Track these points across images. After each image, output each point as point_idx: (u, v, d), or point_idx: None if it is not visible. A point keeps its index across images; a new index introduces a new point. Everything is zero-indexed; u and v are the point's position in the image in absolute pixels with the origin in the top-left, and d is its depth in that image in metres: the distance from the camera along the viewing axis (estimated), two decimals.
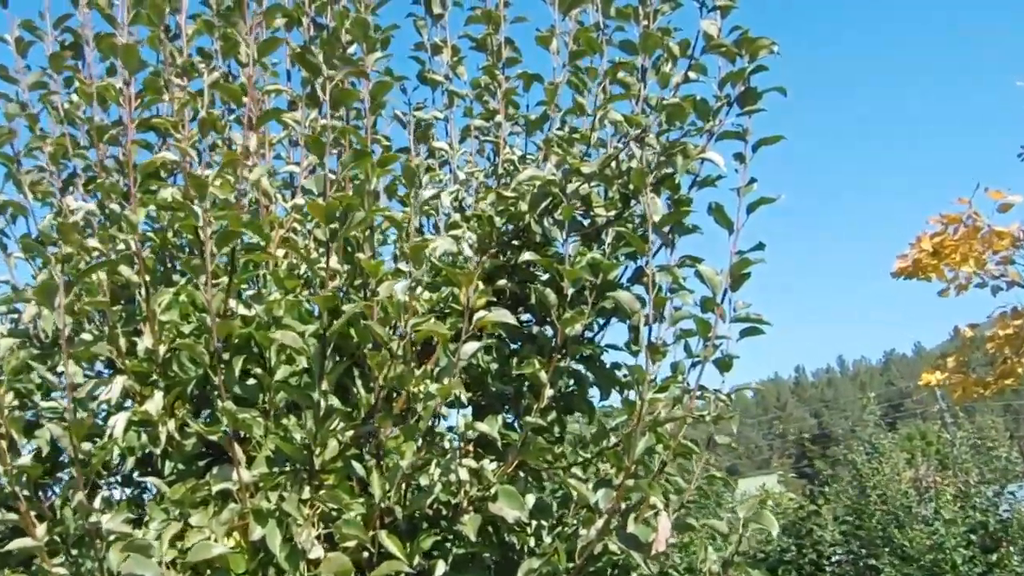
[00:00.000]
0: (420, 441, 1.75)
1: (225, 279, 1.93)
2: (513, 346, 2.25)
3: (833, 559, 9.02)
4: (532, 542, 2.14)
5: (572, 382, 2.18)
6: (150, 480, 1.65)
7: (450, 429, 2.08)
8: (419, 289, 2.01)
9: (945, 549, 8.08)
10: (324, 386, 1.66)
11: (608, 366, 2.24)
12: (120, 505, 1.87)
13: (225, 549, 1.48)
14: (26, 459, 1.65)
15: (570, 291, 1.81)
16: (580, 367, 2.22)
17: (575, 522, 2.05)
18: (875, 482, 9.41)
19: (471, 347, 1.65)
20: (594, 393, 2.29)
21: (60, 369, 2.01)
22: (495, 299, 1.94)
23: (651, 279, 1.69)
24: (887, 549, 8.71)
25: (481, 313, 1.67)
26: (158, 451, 1.84)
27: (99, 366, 2.16)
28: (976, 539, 8.32)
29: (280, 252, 2.22)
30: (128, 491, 2.05)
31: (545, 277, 2.13)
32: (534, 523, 2.14)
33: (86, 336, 1.89)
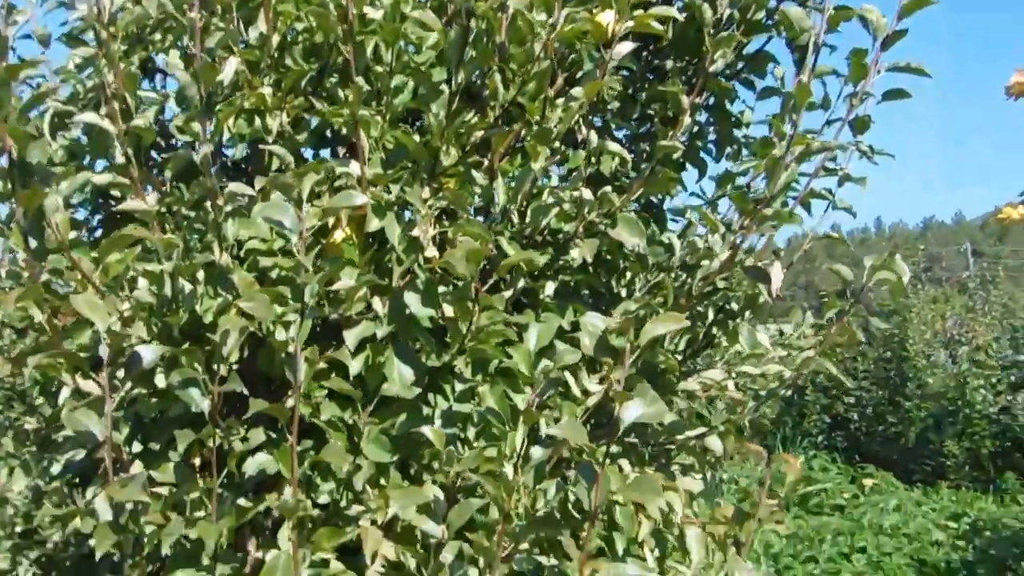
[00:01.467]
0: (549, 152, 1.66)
1: None
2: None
3: (856, 392, 9.28)
4: (624, 292, 2.12)
5: (694, 128, 2.06)
6: (269, 148, 1.58)
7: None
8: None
9: (967, 384, 8.27)
10: (460, 77, 1.55)
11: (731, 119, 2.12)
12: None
13: (367, 199, 1.43)
14: (140, 121, 1.59)
15: (726, 12, 1.66)
16: (702, 118, 2.11)
17: (676, 272, 2.01)
18: (898, 328, 9.47)
19: (625, 47, 1.52)
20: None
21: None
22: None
23: None
24: (905, 389, 8.94)
25: (638, 11, 1.52)
26: (270, 140, 1.78)
27: None
28: (1007, 377, 8.46)
29: None
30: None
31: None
32: (628, 274, 2.10)
33: None
